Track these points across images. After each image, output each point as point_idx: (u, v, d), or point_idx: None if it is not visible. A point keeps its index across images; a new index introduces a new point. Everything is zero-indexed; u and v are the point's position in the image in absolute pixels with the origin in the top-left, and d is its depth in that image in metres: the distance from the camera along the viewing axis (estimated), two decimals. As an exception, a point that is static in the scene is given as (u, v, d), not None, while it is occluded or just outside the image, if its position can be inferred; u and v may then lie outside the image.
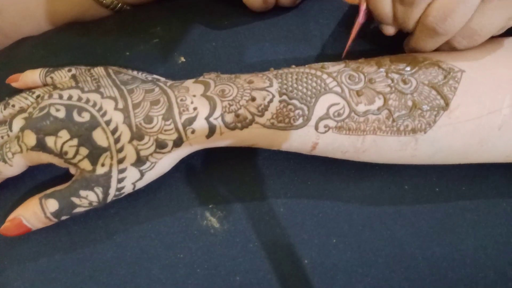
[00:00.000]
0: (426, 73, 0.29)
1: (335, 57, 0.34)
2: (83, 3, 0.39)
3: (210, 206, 0.31)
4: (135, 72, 0.32)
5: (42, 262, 0.30)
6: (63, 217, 0.28)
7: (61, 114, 0.27)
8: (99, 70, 0.31)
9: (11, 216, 0.28)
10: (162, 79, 0.31)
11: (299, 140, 0.28)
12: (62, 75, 0.32)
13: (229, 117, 0.28)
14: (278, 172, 0.31)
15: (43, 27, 0.41)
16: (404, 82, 0.28)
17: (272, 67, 0.34)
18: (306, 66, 0.30)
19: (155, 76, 0.32)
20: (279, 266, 0.30)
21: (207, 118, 0.27)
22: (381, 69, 0.29)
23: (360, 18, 0.30)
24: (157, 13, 0.37)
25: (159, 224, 0.30)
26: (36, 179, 0.31)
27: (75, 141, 0.27)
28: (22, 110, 0.29)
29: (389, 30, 0.31)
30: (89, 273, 0.29)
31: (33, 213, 0.28)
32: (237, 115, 0.27)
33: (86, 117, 0.27)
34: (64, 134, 0.27)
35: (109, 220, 0.30)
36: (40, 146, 0.27)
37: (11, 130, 0.29)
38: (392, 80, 0.28)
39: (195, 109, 0.27)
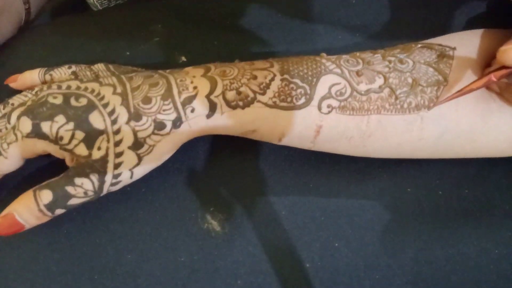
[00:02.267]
0: (420, 54, 0.29)
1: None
2: None
3: (211, 209, 0.30)
4: (135, 68, 0.32)
5: (42, 263, 0.29)
6: (58, 210, 0.27)
7: (58, 100, 0.27)
8: (99, 65, 0.31)
9: (4, 212, 0.27)
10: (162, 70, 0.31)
11: (303, 123, 0.28)
12: (62, 72, 0.31)
13: (230, 95, 0.27)
14: (280, 175, 0.31)
15: None
16: (401, 62, 0.28)
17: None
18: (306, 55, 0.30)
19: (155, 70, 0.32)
20: (281, 270, 0.29)
21: (207, 96, 0.27)
22: (377, 55, 0.29)
23: (478, 86, 0.27)
24: (158, 11, 0.36)
25: (159, 227, 0.30)
26: (33, 180, 0.30)
27: (71, 125, 0.26)
28: (21, 104, 0.29)
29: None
30: (89, 275, 0.29)
31: (26, 206, 0.26)
32: (239, 93, 0.27)
33: (83, 101, 0.27)
34: (60, 119, 0.26)
35: (109, 222, 0.30)
36: (36, 132, 0.26)
37: (9, 123, 0.28)
38: (389, 61, 0.29)
39: (195, 88, 0.27)
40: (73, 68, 0.31)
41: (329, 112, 0.27)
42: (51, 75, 0.31)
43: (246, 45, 0.34)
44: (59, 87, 0.28)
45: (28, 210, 0.27)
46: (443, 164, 0.32)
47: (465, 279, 0.30)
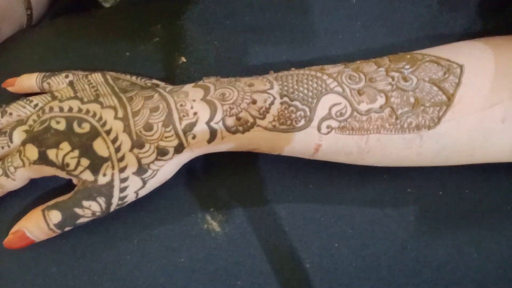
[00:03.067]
0: (426, 70, 0.28)
1: (339, 58, 0.34)
2: None
3: (211, 209, 0.30)
4: (133, 78, 0.31)
5: (42, 264, 0.29)
6: (67, 228, 0.28)
7: (62, 126, 0.27)
8: (97, 77, 0.31)
9: (14, 228, 0.28)
10: (162, 84, 0.31)
11: (302, 142, 0.28)
12: (59, 81, 0.31)
13: (230, 121, 0.27)
14: (280, 175, 0.31)
15: None
16: (405, 79, 0.28)
17: (274, 68, 0.33)
18: (306, 68, 0.29)
19: (154, 81, 0.32)
20: (281, 270, 0.29)
21: (207, 123, 0.27)
22: (381, 68, 0.29)
23: None
24: (157, 11, 0.36)
25: (159, 228, 0.30)
26: (38, 189, 0.31)
27: (76, 153, 0.27)
28: (21, 121, 0.29)
29: None
30: (89, 276, 0.29)
31: (36, 225, 0.27)
32: (238, 119, 0.27)
33: (86, 127, 0.27)
34: (65, 146, 0.27)
35: (109, 223, 0.30)
36: (43, 159, 0.27)
37: (11, 141, 0.29)
38: (393, 78, 0.28)
39: (195, 114, 0.27)
40: (70, 77, 0.31)
41: (328, 132, 0.27)
42: (49, 83, 0.32)
43: (246, 45, 0.34)
44: (61, 110, 0.28)
45: (38, 228, 0.27)
46: (443, 164, 0.32)
47: (466, 280, 0.30)
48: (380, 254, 0.30)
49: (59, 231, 0.28)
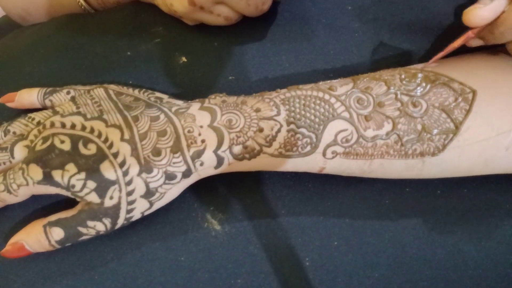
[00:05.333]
0: (436, 94, 0.28)
1: (337, 58, 0.34)
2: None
3: (211, 208, 0.30)
4: (136, 91, 0.31)
5: (42, 263, 0.29)
6: (67, 244, 0.28)
7: (67, 146, 0.27)
8: (99, 92, 0.30)
9: (13, 240, 0.27)
10: (165, 97, 0.30)
11: (306, 166, 0.28)
12: (61, 98, 0.31)
13: (237, 149, 0.27)
14: (279, 174, 0.31)
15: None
16: (414, 105, 0.28)
17: (274, 67, 0.34)
18: (314, 86, 0.29)
19: (157, 94, 0.31)
20: (280, 269, 0.29)
21: (215, 151, 0.27)
22: (391, 90, 0.28)
23: (458, 43, 0.29)
24: (159, 12, 0.36)
25: (159, 227, 0.30)
26: (39, 199, 0.30)
27: (82, 175, 0.26)
28: (21, 136, 0.29)
29: (477, 43, 0.30)
30: (89, 275, 0.29)
31: (37, 240, 0.27)
32: (245, 147, 0.27)
33: (92, 149, 0.27)
34: (71, 168, 0.26)
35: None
36: (47, 180, 0.26)
37: (13, 157, 0.28)
38: (402, 103, 0.28)
39: (203, 141, 0.27)
40: (72, 93, 0.31)
41: (333, 157, 0.28)
42: (51, 100, 0.31)
43: (246, 46, 0.34)
44: (63, 125, 0.28)
45: (38, 243, 0.27)
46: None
47: (465, 278, 0.30)
48: (379, 252, 0.30)
49: (59, 247, 0.27)
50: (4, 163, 0.29)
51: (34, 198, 0.30)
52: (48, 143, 0.27)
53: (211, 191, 0.31)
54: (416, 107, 0.28)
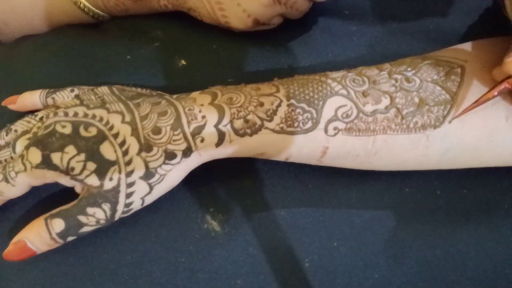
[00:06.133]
0: (427, 71, 0.29)
1: (336, 60, 0.35)
2: (69, 10, 0.39)
3: (211, 209, 0.30)
4: (139, 89, 0.31)
5: (42, 264, 0.29)
6: (69, 238, 0.27)
7: (67, 130, 0.27)
8: (103, 89, 0.30)
9: (15, 239, 0.27)
10: (167, 95, 0.31)
11: (309, 145, 0.28)
12: (65, 96, 0.31)
13: (238, 123, 0.27)
14: (279, 175, 0.31)
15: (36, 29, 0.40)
16: (408, 80, 0.28)
17: (272, 70, 0.34)
18: (309, 74, 0.30)
19: (159, 92, 0.31)
20: (280, 269, 0.29)
21: (216, 126, 0.27)
22: (383, 72, 0.29)
23: (493, 94, 0.27)
24: (158, 16, 0.37)
25: (159, 228, 0.30)
26: (40, 199, 0.31)
27: (82, 156, 0.26)
28: (25, 132, 0.29)
29: None
30: (89, 276, 0.29)
31: (38, 234, 0.27)
32: (246, 121, 0.27)
33: (93, 131, 0.27)
34: (70, 150, 0.26)
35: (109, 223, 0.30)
36: (46, 163, 0.26)
37: (14, 152, 0.28)
38: (396, 80, 0.28)
39: (203, 117, 0.27)
40: (76, 91, 0.31)
41: (336, 134, 0.28)
42: (53, 98, 0.31)
43: (245, 49, 0.34)
44: (66, 114, 0.28)
45: (40, 238, 0.27)
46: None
47: (465, 279, 0.30)
48: (378, 253, 0.30)
49: (61, 241, 0.27)
50: (5, 160, 0.29)
51: (37, 200, 0.30)
52: (50, 129, 0.27)
53: (211, 192, 0.31)
54: (410, 83, 0.28)
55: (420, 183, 0.32)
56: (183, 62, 0.34)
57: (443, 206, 0.31)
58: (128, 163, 0.26)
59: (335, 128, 0.28)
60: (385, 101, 0.28)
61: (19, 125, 0.30)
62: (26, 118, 0.30)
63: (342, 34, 0.35)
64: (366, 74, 0.29)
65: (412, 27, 0.36)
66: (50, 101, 0.31)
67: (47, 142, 0.26)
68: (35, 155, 0.26)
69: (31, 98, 0.32)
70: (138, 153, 0.27)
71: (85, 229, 0.27)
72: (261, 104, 0.28)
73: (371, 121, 0.28)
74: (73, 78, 0.35)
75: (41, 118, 0.30)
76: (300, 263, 0.30)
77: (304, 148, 0.28)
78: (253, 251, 0.30)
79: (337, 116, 0.28)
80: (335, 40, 0.35)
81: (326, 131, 0.28)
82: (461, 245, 0.31)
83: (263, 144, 0.28)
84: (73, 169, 0.26)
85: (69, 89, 0.31)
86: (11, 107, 0.32)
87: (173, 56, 0.34)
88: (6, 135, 0.30)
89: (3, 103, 0.33)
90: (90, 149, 0.26)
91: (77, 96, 0.30)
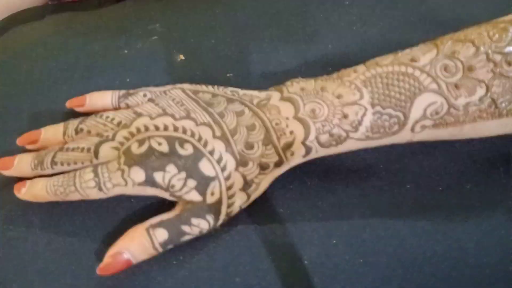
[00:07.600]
0: None
1: (336, 52, 0.34)
2: None
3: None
4: (210, 88, 0.31)
5: (42, 262, 0.30)
6: (169, 246, 0.28)
7: (164, 148, 0.27)
8: (177, 92, 0.30)
9: (112, 250, 0.27)
10: (240, 91, 0.30)
11: (392, 141, 0.28)
12: (139, 100, 0.31)
13: (324, 138, 0.27)
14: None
15: None
16: (509, 64, 0.25)
17: (272, 65, 0.33)
18: (394, 59, 0.27)
19: (231, 88, 0.31)
20: (279, 267, 0.29)
21: (303, 142, 0.27)
22: (481, 50, 0.26)
23: None
24: (156, 10, 0.36)
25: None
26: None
27: (183, 174, 0.27)
28: (106, 137, 0.28)
29: None
30: (88, 275, 0.29)
31: (140, 244, 0.27)
32: (331, 135, 0.27)
33: (189, 149, 0.27)
34: (171, 169, 0.27)
35: (108, 221, 0.30)
36: (149, 182, 0.27)
37: (96, 158, 0.28)
38: (495, 63, 0.25)
39: (291, 133, 0.27)
40: (148, 95, 0.30)
41: (422, 131, 0.27)
42: (127, 104, 0.31)
43: (244, 43, 0.34)
44: (157, 128, 0.28)
45: (142, 248, 0.27)
46: (443, 160, 0.32)
47: (466, 276, 0.30)
48: (378, 250, 0.30)
49: (161, 250, 0.27)
50: (83, 163, 0.28)
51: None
52: (146, 145, 0.27)
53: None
54: (511, 66, 0.25)
55: (421, 179, 0.31)
56: (181, 56, 0.34)
57: (444, 203, 0.31)
58: (227, 178, 0.27)
59: (422, 126, 0.27)
60: (480, 91, 0.26)
61: (92, 126, 0.29)
62: (100, 120, 0.29)
63: (343, 25, 0.35)
64: (460, 56, 0.26)
65: (413, 18, 0.35)
66: (123, 106, 0.31)
67: (148, 161, 0.27)
68: (139, 174, 0.27)
69: (102, 101, 0.31)
70: (236, 169, 0.27)
71: (186, 237, 0.28)
72: (346, 116, 0.27)
73: (461, 114, 0.26)
74: (71, 72, 0.34)
75: (119, 123, 0.29)
76: (299, 261, 0.30)
77: (386, 143, 0.28)
78: (252, 248, 0.30)
79: (425, 115, 0.26)
80: (335, 32, 0.35)
81: (412, 130, 0.27)
82: (462, 242, 0.30)
83: (348, 149, 0.28)
84: (173, 186, 0.27)
85: (141, 93, 0.31)
86: (79, 109, 0.32)
87: (171, 50, 0.34)
88: (76, 134, 0.30)
89: (69, 106, 0.32)
90: (190, 167, 0.27)
91: (152, 100, 0.30)
